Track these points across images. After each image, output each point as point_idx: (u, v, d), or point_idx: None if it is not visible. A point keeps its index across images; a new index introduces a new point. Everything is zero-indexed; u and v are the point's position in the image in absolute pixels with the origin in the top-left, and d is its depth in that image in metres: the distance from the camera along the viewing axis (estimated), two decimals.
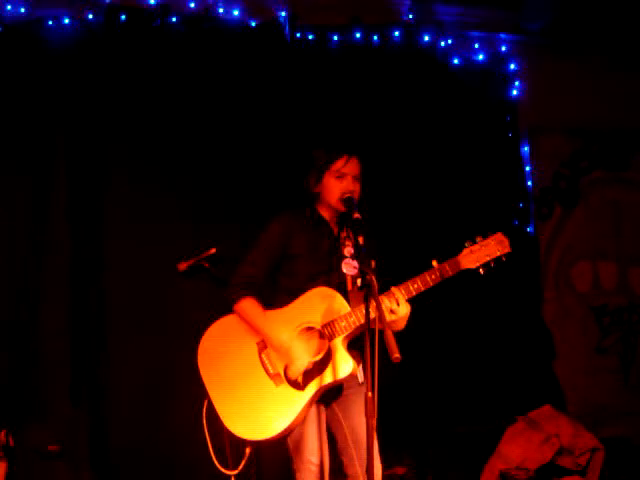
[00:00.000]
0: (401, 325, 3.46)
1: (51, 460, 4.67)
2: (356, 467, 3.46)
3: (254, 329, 3.51)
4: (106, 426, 5.01)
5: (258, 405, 3.40)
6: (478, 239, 3.50)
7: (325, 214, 3.64)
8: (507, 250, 3.49)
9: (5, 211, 5.03)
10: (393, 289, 3.42)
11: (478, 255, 3.47)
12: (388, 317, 3.31)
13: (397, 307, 3.37)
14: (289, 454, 3.50)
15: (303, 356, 3.41)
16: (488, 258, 3.47)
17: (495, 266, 3.50)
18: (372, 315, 3.09)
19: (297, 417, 3.38)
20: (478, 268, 3.47)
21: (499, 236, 3.51)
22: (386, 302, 3.36)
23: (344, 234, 3.60)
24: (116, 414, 5.02)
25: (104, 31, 5.25)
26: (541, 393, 5.75)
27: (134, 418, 5.01)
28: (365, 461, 3.33)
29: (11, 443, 4.59)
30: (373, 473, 3.03)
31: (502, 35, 6.21)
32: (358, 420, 3.46)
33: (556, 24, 6.13)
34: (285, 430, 3.38)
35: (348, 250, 3.56)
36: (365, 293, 3.12)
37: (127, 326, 5.12)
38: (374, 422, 3.00)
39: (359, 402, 3.44)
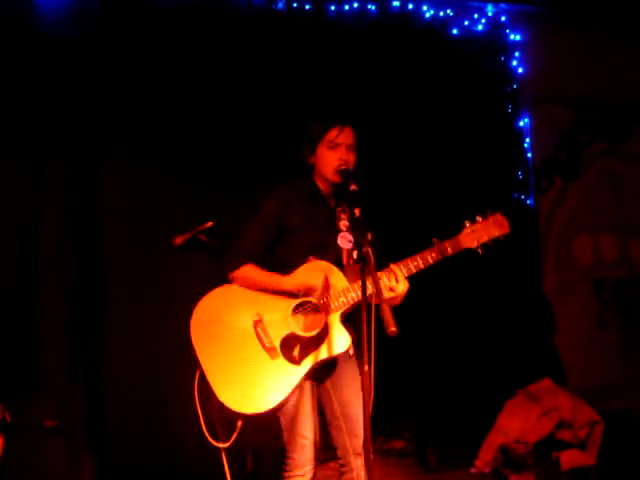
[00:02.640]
0: (398, 302, 3.42)
1: (48, 435, 4.68)
2: (344, 439, 3.43)
3: (261, 288, 3.46)
4: (103, 403, 5.00)
5: (253, 378, 3.36)
6: (478, 218, 3.48)
7: (321, 186, 3.60)
8: (505, 231, 3.47)
9: (4, 191, 5.02)
10: (392, 266, 3.38)
11: (478, 235, 3.45)
12: (387, 294, 3.28)
13: (396, 284, 3.34)
14: (280, 429, 3.46)
15: (318, 281, 3.36)
16: (487, 238, 3.45)
17: (493, 246, 3.47)
18: (369, 289, 3.05)
19: (292, 391, 3.36)
20: (477, 248, 3.45)
21: (499, 216, 3.48)
22: (385, 280, 3.32)
23: (340, 207, 3.55)
24: (113, 391, 5.02)
25: (100, 6, 5.19)
26: (541, 367, 5.75)
27: (131, 395, 5.00)
28: (354, 433, 3.39)
29: (8, 419, 4.58)
30: (370, 448, 2.99)
31: (502, 5, 6.11)
32: (347, 392, 3.46)
33: None
34: (280, 404, 3.35)
35: (343, 223, 3.51)
36: (361, 266, 3.07)
37: (124, 303, 5.11)
38: (370, 396, 2.96)
39: (349, 375, 3.46)
